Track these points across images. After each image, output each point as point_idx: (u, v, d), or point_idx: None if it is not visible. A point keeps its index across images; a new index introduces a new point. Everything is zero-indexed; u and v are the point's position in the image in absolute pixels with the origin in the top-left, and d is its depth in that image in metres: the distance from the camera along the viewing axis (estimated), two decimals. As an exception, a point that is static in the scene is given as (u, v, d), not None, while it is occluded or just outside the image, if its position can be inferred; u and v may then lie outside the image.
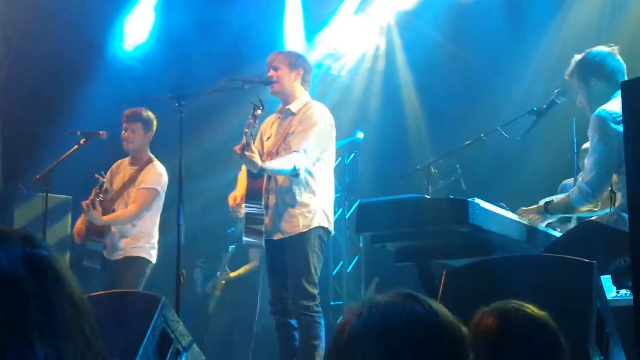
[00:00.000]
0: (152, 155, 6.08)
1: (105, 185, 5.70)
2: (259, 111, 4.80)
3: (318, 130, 5.04)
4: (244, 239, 5.08)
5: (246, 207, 5.03)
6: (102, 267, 5.86)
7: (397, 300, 1.46)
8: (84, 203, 5.64)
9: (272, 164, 4.91)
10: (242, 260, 7.95)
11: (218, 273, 7.97)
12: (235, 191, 5.23)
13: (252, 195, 5.01)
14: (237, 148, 4.77)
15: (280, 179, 5.04)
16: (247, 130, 4.73)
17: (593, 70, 4.33)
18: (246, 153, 4.69)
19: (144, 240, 5.92)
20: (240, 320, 7.90)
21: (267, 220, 5.05)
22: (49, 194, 5.89)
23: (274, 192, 5.06)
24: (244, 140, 4.71)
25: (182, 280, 4.83)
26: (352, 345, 1.44)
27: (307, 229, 4.99)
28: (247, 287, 7.92)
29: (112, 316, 3.45)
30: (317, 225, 5.01)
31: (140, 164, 6.01)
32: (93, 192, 5.63)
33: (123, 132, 5.99)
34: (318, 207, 5.04)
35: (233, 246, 7.93)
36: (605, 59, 4.34)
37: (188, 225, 5.15)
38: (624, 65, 4.34)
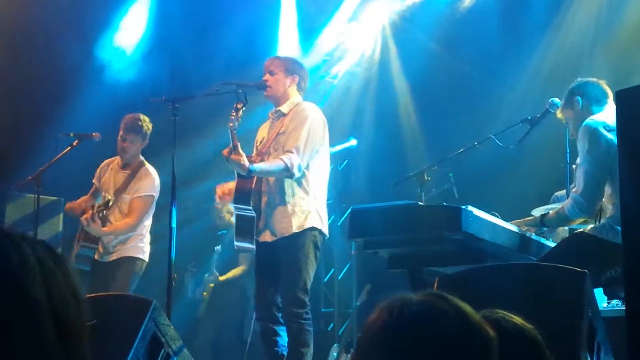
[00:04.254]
0: (143, 159, 6.02)
1: (110, 201, 5.61)
2: (241, 105, 4.73)
3: (309, 129, 4.94)
4: (236, 243, 4.96)
5: (235, 209, 4.94)
6: (91, 269, 5.80)
7: (428, 299, 1.49)
8: (83, 218, 5.59)
9: (262, 165, 4.84)
10: (232, 264, 7.93)
11: (206, 275, 7.95)
12: (227, 184, 5.13)
13: (240, 197, 4.89)
14: (225, 152, 4.73)
15: (272, 179, 4.93)
16: (231, 125, 4.67)
17: (575, 94, 4.44)
18: (232, 157, 4.66)
19: (137, 240, 5.88)
20: (229, 323, 7.88)
21: (259, 222, 4.91)
22: (40, 196, 5.85)
23: (266, 193, 4.93)
24: (232, 143, 4.67)
25: (173, 284, 4.80)
26: (382, 341, 1.46)
27: (301, 230, 4.86)
28: (235, 291, 7.90)
29: (102, 319, 3.42)
30: (311, 226, 4.88)
31: (132, 168, 5.94)
32: (95, 208, 5.58)
33: (121, 140, 5.90)
34: (312, 208, 4.92)
35: (219, 247, 7.89)
36: (587, 84, 4.46)
37: (180, 229, 5.10)
38: (609, 91, 4.43)
